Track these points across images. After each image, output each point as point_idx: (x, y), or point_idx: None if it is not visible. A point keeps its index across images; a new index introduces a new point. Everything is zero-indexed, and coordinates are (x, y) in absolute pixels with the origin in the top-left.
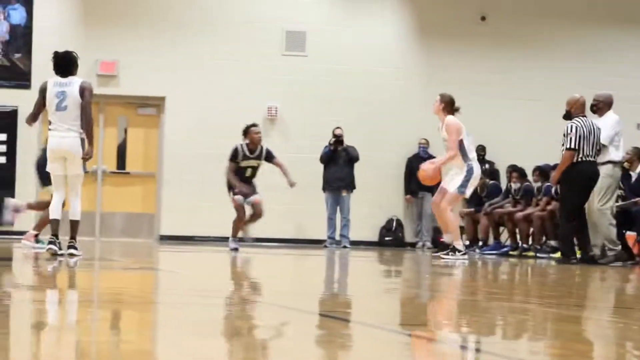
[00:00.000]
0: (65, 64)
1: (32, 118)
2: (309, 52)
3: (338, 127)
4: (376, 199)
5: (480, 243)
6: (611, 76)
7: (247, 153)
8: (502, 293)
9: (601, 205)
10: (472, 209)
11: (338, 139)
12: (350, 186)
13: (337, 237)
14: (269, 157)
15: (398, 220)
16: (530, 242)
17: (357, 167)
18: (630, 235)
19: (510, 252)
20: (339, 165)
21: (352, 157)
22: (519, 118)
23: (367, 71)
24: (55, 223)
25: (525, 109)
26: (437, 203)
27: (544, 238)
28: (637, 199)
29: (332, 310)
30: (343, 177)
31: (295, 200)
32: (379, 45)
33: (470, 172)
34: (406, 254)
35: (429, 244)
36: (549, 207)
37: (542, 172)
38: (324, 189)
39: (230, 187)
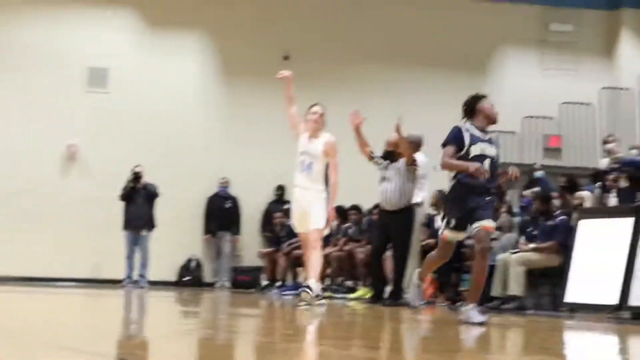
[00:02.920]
0: None
1: None
2: (111, 89)
3: (137, 165)
4: (176, 238)
5: (279, 283)
6: (418, 117)
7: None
8: (297, 334)
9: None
10: (271, 249)
11: (137, 176)
12: (150, 225)
13: (135, 277)
14: None
15: (197, 260)
16: (327, 283)
17: (158, 206)
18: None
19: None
20: (138, 203)
21: (151, 195)
22: None
23: (171, 109)
24: None
25: None
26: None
27: (341, 278)
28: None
29: (128, 353)
30: (142, 215)
31: (93, 239)
32: (182, 83)
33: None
34: (205, 294)
35: (227, 283)
36: (346, 248)
37: (340, 212)
38: (124, 227)
39: None
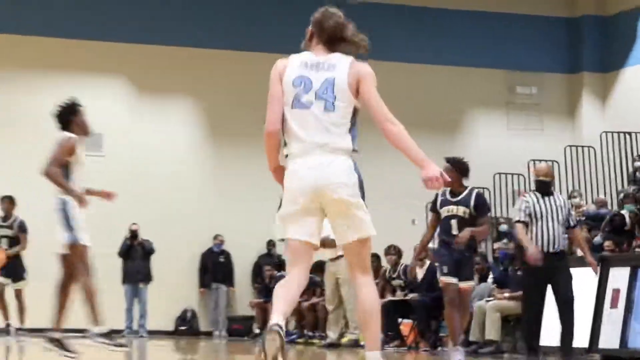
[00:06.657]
0: None
1: None
2: (106, 153)
3: (134, 223)
4: (172, 290)
5: None
6: (393, 177)
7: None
8: None
9: None
10: (261, 300)
11: (133, 234)
12: (147, 278)
13: (135, 327)
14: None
15: (192, 311)
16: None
17: (154, 261)
18: (407, 323)
19: (297, 340)
20: (135, 259)
21: (147, 250)
22: None
23: (162, 170)
24: None
25: None
26: None
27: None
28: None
29: None
30: (140, 269)
31: None
32: (172, 144)
33: None
34: (201, 342)
35: (224, 332)
36: None
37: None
38: (123, 281)
39: None
